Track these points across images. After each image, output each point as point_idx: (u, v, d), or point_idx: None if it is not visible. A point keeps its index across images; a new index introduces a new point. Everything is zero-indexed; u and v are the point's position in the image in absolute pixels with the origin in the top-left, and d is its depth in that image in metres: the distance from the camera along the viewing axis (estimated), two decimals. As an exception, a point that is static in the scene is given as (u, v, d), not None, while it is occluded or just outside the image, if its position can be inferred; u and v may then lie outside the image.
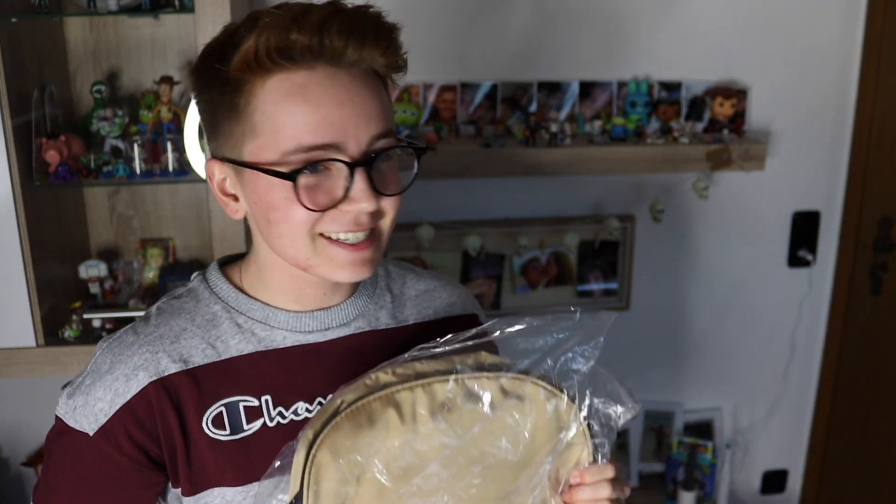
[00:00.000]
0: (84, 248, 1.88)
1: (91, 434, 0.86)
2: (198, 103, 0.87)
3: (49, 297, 1.67)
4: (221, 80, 0.80)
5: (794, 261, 2.25)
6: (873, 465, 2.46)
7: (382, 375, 0.81)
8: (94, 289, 1.77)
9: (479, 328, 0.83)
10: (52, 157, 1.60)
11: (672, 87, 2.03)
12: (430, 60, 1.94)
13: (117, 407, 0.85)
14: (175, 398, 0.86)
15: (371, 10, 0.81)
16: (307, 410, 0.89)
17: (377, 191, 0.81)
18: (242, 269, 0.94)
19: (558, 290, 2.14)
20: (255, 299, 0.91)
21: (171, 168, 1.70)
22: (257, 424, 0.87)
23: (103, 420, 0.85)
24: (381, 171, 0.83)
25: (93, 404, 0.86)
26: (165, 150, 1.70)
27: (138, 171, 1.69)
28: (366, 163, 0.81)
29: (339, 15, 0.78)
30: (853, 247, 2.24)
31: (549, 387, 0.81)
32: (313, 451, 0.76)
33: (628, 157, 1.92)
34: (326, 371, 0.90)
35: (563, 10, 1.96)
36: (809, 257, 2.23)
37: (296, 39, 0.77)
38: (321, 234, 0.83)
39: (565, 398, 0.81)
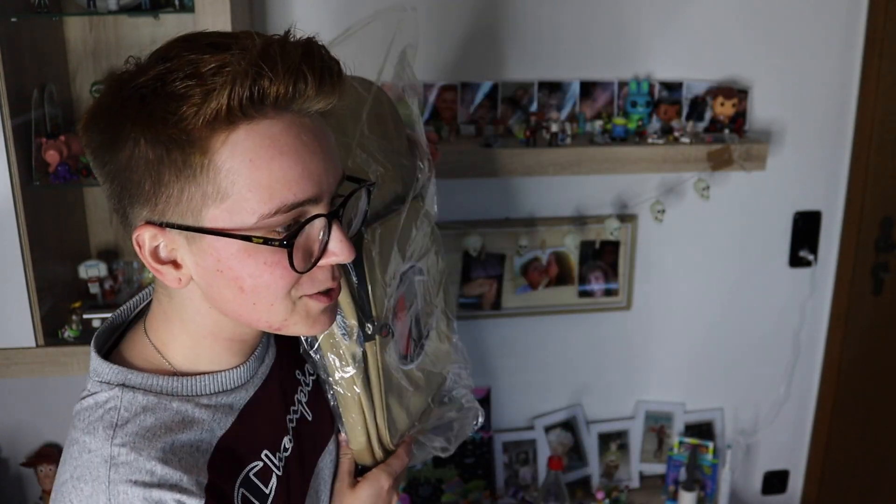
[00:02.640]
0: (84, 248, 1.88)
1: None
2: (107, 163, 0.73)
3: (49, 297, 1.67)
4: (166, 136, 0.69)
5: (796, 261, 2.24)
6: (875, 465, 2.45)
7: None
8: (94, 289, 1.77)
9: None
10: (52, 157, 1.60)
11: (673, 87, 2.03)
12: (430, 60, 1.94)
13: None
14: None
15: (323, 47, 0.74)
16: (289, 441, 0.91)
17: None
18: (166, 344, 0.83)
19: (559, 290, 2.14)
20: (198, 374, 0.83)
21: (171, 168, 1.69)
22: (273, 481, 0.86)
23: None
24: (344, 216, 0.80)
25: None
26: (165, 150, 1.69)
27: (138, 171, 1.68)
28: (337, 213, 0.77)
29: (309, 58, 0.71)
30: (854, 247, 2.24)
31: None
32: None
33: (629, 156, 1.92)
34: (279, 399, 0.92)
35: (564, 10, 1.96)
36: (811, 257, 2.23)
37: (269, 88, 0.69)
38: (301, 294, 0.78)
39: None
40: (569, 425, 2.26)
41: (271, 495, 0.85)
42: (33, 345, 1.63)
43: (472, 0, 1.92)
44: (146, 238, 0.75)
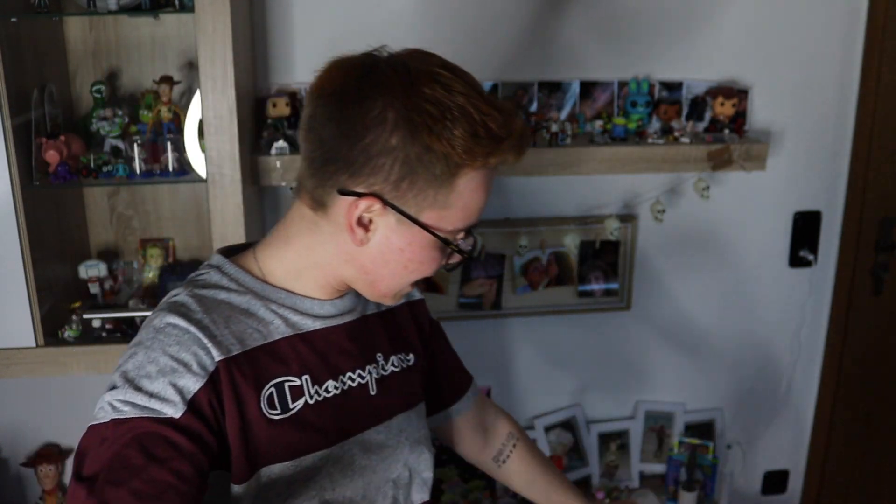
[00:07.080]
0: (84, 248, 1.88)
1: (178, 416, 0.85)
2: (356, 136, 0.89)
3: (49, 297, 1.67)
4: (439, 149, 0.87)
5: (796, 261, 2.24)
6: (875, 465, 2.45)
7: None
8: (94, 289, 1.77)
9: None
10: (51, 157, 1.60)
11: (673, 87, 2.03)
12: (431, 60, 1.94)
13: (202, 383, 0.87)
14: (235, 379, 0.90)
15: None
16: (334, 388, 1.00)
17: None
18: (267, 260, 1.00)
19: (559, 290, 2.14)
20: (279, 288, 0.98)
21: (171, 168, 1.70)
22: (300, 403, 0.96)
23: (189, 396, 0.86)
24: None
25: (172, 386, 0.86)
26: (165, 150, 1.70)
27: (138, 171, 1.69)
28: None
29: (526, 136, 0.93)
30: (854, 247, 2.24)
31: None
32: None
33: (629, 157, 1.92)
34: (343, 351, 1.02)
35: (564, 10, 1.96)
36: (811, 257, 2.23)
37: (507, 155, 0.91)
38: None
39: None
40: (569, 425, 2.26)
41: (294, 411, 0.95)
42: (33, 345, 1.64)
43: (472, 0, 1.92)
44: (364, 205, 0.91)
